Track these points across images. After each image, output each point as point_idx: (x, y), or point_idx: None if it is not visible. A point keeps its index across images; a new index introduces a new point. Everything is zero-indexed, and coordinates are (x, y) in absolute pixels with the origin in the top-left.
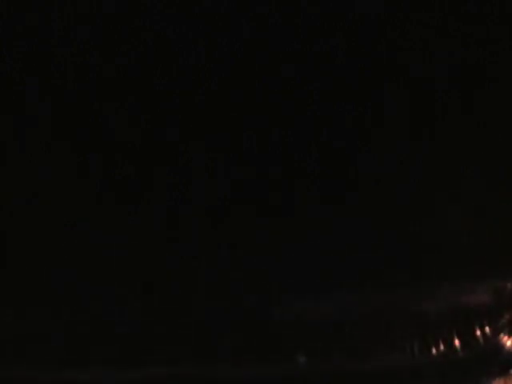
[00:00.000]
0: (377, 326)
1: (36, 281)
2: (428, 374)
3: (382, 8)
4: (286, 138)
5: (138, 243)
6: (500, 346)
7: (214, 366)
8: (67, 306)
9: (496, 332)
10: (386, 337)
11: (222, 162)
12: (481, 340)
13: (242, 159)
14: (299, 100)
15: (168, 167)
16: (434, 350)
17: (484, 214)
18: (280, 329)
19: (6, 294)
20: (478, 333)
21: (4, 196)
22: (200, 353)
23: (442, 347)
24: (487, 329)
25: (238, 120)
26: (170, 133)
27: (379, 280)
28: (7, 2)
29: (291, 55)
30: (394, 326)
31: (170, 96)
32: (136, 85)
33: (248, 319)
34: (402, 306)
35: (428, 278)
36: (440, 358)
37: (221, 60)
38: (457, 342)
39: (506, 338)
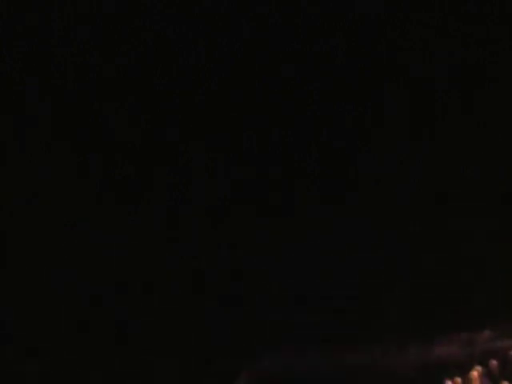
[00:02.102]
0: (349, 380)
1: (36, 281)
2: None
3: (382, 8)
4: (286, 138)
5: (138, 243)
6: None
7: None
8: (67, 306)
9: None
10: None
11: (221, 162)
12: None
13: (242, 159)
14: (299, 100)
15: (168, 167)
16: None
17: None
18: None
19: (6, 294)
20: None
21: (4, 196)
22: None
23: None
24: (459, 380)
25: (238, 120)
26: (170, 133)
27: (352, 335)
28: (7, 2)
29: (291, 55)
30: (366, 381)
31: (170, 96)
32: (136, 85)
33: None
34: (374, 361)
35: (399, 331)
36: None
37: (221, 60)
38: None
39: None
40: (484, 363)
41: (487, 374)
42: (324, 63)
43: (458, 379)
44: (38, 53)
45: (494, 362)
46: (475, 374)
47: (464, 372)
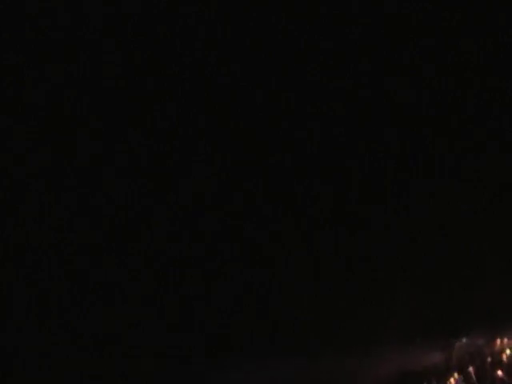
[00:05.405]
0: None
1: (36, 279)
2: None
3: (382, 8)
4: (286, 138)
5: (139, 243)
6: None
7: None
8: (67, 306)
9: None
10: None
11: (221, 161)
12: None
13: (243, 159)
14: (299, 100)
15: (168, 167)
16: None
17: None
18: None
19: (6, 294)
20: None
21: (4, 196)
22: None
23: None
24: None
25: (238, 120)
26: (171, 133)
27: (332, 345)
28: (7, 1)
29: (291, 55)
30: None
31: (171, 96)
32: (136, 84)
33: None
34: (353, 368)
35: (378, 340)
36: None
37: (221, 60)
38: None
39: None
40: (462, 370)
41: (465, 380)
42: (324, 63)
43: None
44: (38, 52)
45: (471, 369)
46: (452, 381)
47: (442, 379)
